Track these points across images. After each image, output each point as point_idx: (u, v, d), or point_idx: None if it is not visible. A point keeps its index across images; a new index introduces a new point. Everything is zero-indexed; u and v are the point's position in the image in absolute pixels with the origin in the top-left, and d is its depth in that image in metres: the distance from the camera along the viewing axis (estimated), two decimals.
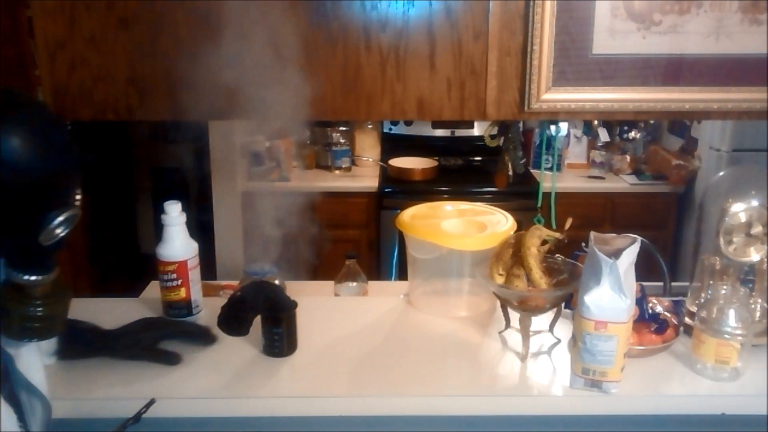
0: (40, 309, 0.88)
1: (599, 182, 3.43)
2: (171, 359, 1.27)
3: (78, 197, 0.84)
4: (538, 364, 1.29)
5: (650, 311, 1.36)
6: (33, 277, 0.86)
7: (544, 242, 1.33)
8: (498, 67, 1.31)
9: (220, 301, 1.32)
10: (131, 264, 3.91)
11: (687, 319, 1.38)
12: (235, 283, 1.75)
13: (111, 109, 1.33)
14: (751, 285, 1.35)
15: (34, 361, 1.00)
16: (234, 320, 1.28)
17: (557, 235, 1.33)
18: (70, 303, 0.94)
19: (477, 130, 3.56)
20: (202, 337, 1.33)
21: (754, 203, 1.33)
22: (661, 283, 1.65)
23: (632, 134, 3.57)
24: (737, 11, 1.26)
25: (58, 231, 0.82)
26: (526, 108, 1.32)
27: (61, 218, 0.81)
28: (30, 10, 1.27)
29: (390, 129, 3.63)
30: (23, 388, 0.98)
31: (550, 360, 1.30)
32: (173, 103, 1.32)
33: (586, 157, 3.61)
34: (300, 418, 1.22)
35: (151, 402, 1.14)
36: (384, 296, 1.68)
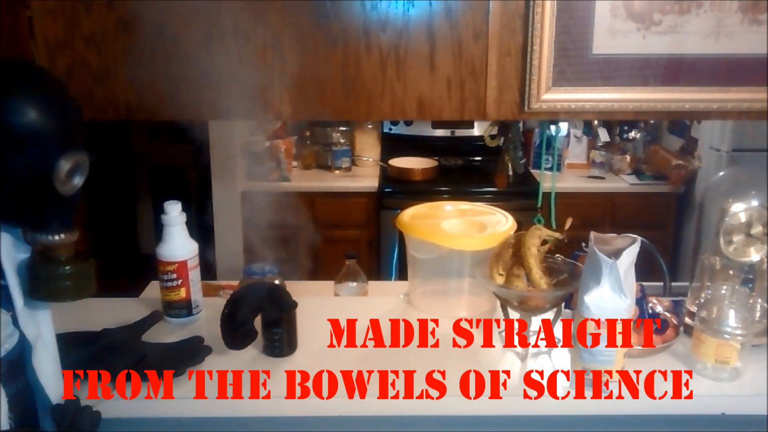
0: (68, 267, 0.94)
1: (599, 182, 3.42)
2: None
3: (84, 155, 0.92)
4: (538, 364, 1.29)
5: (650, 311, 1.36)
6: (57, 237, 0.92)
7: (544, 242, 1.33)
8: (498, 67, 1.31)
9: (220, 301, 1.31)
10: (131, 264, 3.91)
11: (687, 319, 1.38)
12: (235, 283, 1.75)
13: (111, 109, 1.33)
14: (751, 285, 1.35)
15: (48, 355, 1.00)
16: (235, 337, 1.27)
17: (557, 235, 1.33)
18: (95, 269, 0.99)
19: (477, 130, 3.55)
20: (195, 353, 1.26)
21: (754, 203, 1.33)
22: (661, 283, 1.65)
23: (632, 134, 3.56)
24: (737, 11, 1.26)
25: (74, 181, 0.90)
26: (526, 108, 1.31)
27: (69, 163, 0.88)
28: (30, 10, 1.27)
29: (390, 129, 3.63)
30: (32, 387, 0.98)
31: (550, 360, 1.31)
32: (173, 103, 1.32)
33: (586, 157, 3.61)
34: (300, 418, 1.22)
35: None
36: (384, 296, 1.67)
